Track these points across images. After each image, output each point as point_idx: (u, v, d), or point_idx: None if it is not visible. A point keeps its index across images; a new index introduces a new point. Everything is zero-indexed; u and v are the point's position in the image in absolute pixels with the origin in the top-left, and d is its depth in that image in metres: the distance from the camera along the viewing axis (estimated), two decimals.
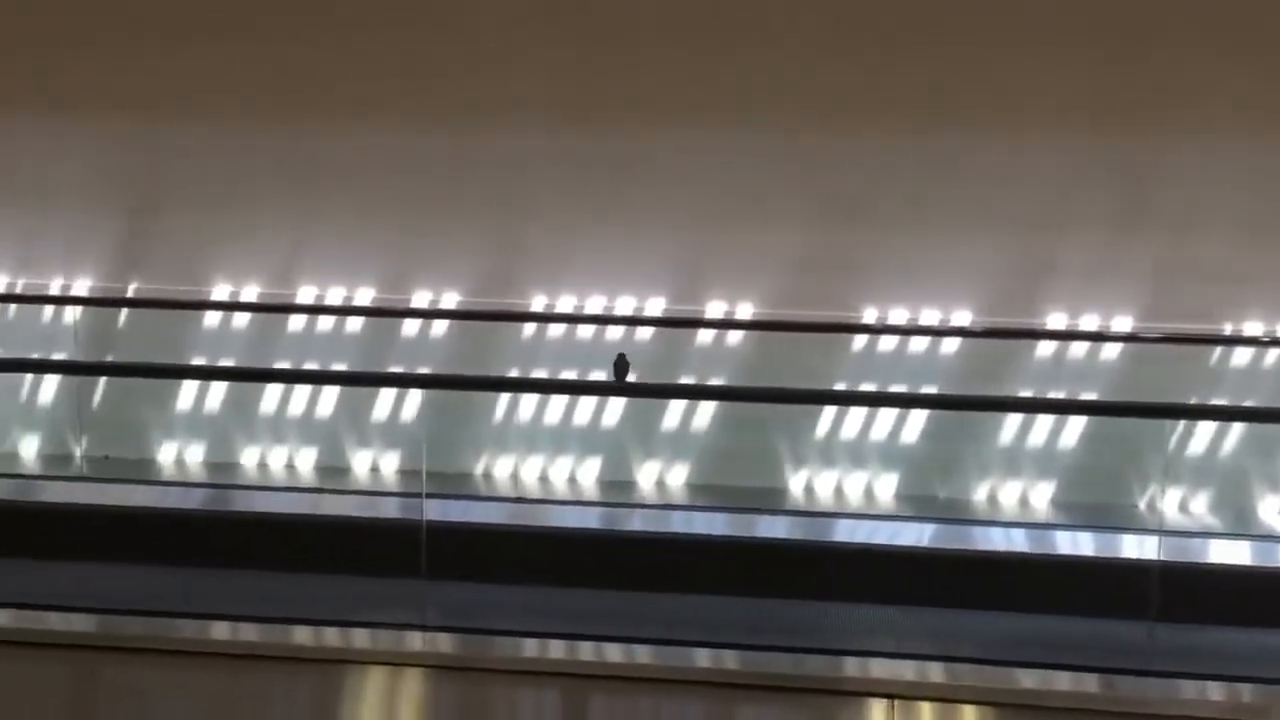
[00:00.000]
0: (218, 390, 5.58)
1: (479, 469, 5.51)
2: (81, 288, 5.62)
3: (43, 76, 5.50)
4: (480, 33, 5.42)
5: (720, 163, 5.41)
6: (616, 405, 5.43)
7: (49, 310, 5.61)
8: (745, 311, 5.53)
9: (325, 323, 5.59)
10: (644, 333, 5.54)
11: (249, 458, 5.63)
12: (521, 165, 5.47)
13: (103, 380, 5.63)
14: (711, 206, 5.45)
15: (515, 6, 5.42)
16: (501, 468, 5.52)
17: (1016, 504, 5.25)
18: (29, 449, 5.69)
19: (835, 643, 3.69)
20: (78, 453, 5.65)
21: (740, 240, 5.45)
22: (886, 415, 5.34)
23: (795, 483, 5.38)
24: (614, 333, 5.51)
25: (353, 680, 3.57)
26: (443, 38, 5.42)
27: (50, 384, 5.64)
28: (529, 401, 5.46)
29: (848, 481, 5.38)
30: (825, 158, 5.35)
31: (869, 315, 5.47)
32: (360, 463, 5.60)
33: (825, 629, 3.86)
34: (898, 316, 5.45)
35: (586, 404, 5.44)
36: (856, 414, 5.35)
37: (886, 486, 5.36)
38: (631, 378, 4.73)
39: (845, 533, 4.84)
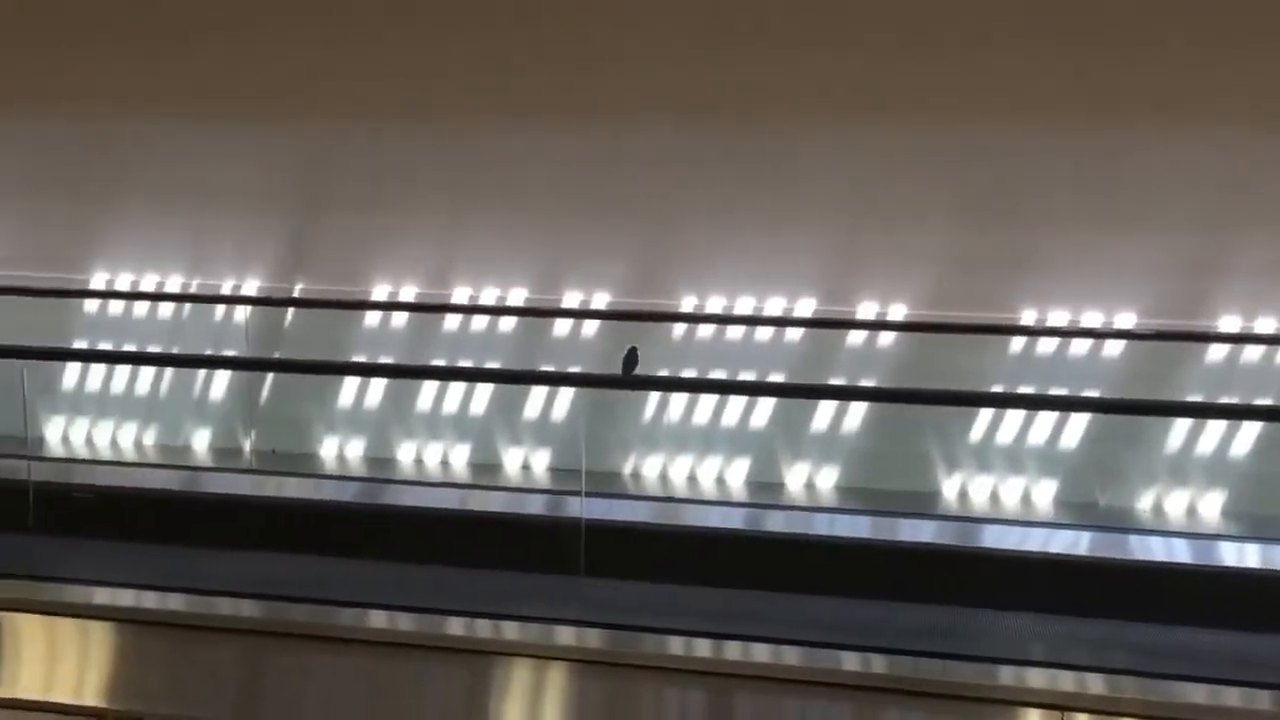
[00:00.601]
0: (377, 387, 5.75)
1: (628, 468, 5.55)
2: (251, 287, 5.86)
3: (217, 84, 5.76)
4: (633, 30, 5.45)
5: (873, 160, 5.32)
6: (765, 406, 5.40)
7: (220, 309, 5.86)
8: (898, 312, 5.43)
9: (479, 322, 5.70)
10: (793, 334, 5.49)
11: (406, 453, 5.80)
12: (672, 164, 5.49)
13: (270, 377, 5.86)
14: (864, 205, 5.37)
15: (666, 3, 5.44)
16: (650, 467, 5.55)
17: (1184, 513, 5.02)
18: (202, 443, 5.97)
19: (985, 650, 3.59)
20: (247, 447, 5.90)
21: (893, 239, 5.36)
22: (1045, 419, 5.17)
23: (949, 487, 5.25)
24: (763, 333, 5.48)
25: (502, 671, 3.62)
26: (595, 36, 5.48)
27: (221, 380, 5.90)
28: (679, 401, 5.46)
29: (1004, 487, 5.23)
30: (980, 154, 5.21)
31: (1027, 317, 5.31)
32: (512, 460, 5.71)
33: (975, 635, 3.75)
34: (1058, 318, 5.28)
35: (736, 404, 5.42)
36: (1014, 417, 5.19)
37: (1044, 492, 5.19)
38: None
39: (997, 538, 4.71)
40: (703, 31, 5.39)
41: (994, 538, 4.71)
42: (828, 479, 5.38)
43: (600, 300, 5.63)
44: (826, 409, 5.32)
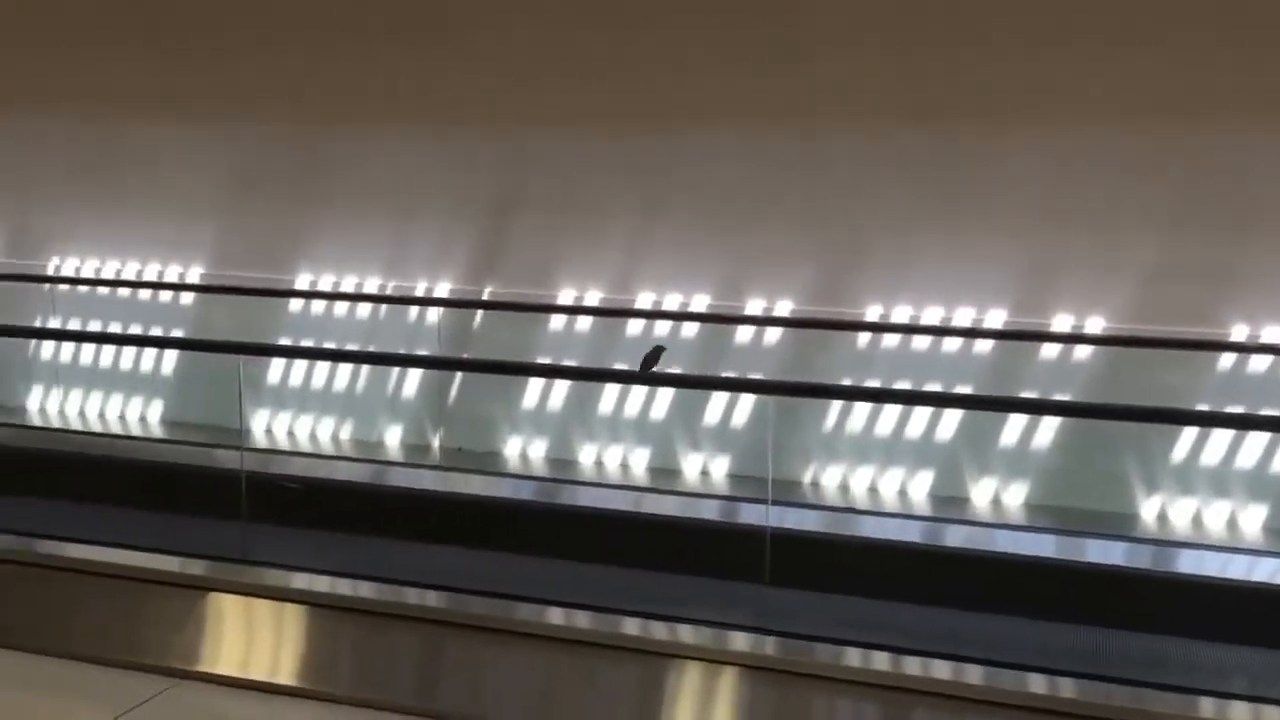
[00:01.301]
0: (560, 389, 5.85)
1: (807, 476, 5.48)
2: (443, 290, 6.04)
3: (417, 92, 5.96)
4: (825, 37, 5.39)
5: (1069, 165, 5.12)
6: (952, 418, 5.25)
7: (414, 311, 6.06)
8: (1095, 325, 5.20)
9: (661, 328, 5.73)
10: (983, 345, 5.32)
11: (587, 455, 5.88)
12: (861, 170, 5.40)
13: (459, 377, 6.03)
14: (1059, 212, 5.16)
15: (860, 8, 5.36)
16: (830, 476, 5.47)
17: None
18: (394, 439, 6.19)
19: (1179, 679, 3.38)
20: (436, 444, 6.08)
21: (1090, 248, 5.13)
22: (1256, 439, 4.85)
23: (1147, 509, 4.99)
24: (950, 344, 5.33)
25: (675, 674, 3.62)
26: (788, 42, 5.43)
27: (413, 380, 6.10)
28: (860, 410, 5.37)
29: (1207, 511, 4.93)
30: (1186, 158, 4.95)
31: (1237, 332, 5.00)
32: (691, 465, 5.72)
33: (1168, 663, 3.55)
34: (1272, 334, 4.95)
35: (920, 415, 5.29)
36: (1221, 436, 4.89)
37: (1253, 518, 4.87)
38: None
39: (1194, 564, 4.44)
40: (897, 40, 5.29)
41: (1191, 564, 4.46)
42: (1016, 495, 5.19)
43: (784, 308, 5.58)
44: (1016, 423, 5.13)
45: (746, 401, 5.55)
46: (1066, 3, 5.10)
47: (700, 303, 5.69)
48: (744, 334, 5.61)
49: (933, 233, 5.34)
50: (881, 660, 3.56)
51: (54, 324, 6.63)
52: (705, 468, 5.67)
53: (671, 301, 5.73)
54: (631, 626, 3.78)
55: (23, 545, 4.41)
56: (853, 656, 3.56)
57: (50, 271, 6.66)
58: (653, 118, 5.62)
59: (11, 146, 6.65)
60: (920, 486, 5.34)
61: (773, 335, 5.58)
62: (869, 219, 5.45)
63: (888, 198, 5.40)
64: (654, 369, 5.23)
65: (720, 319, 5.62)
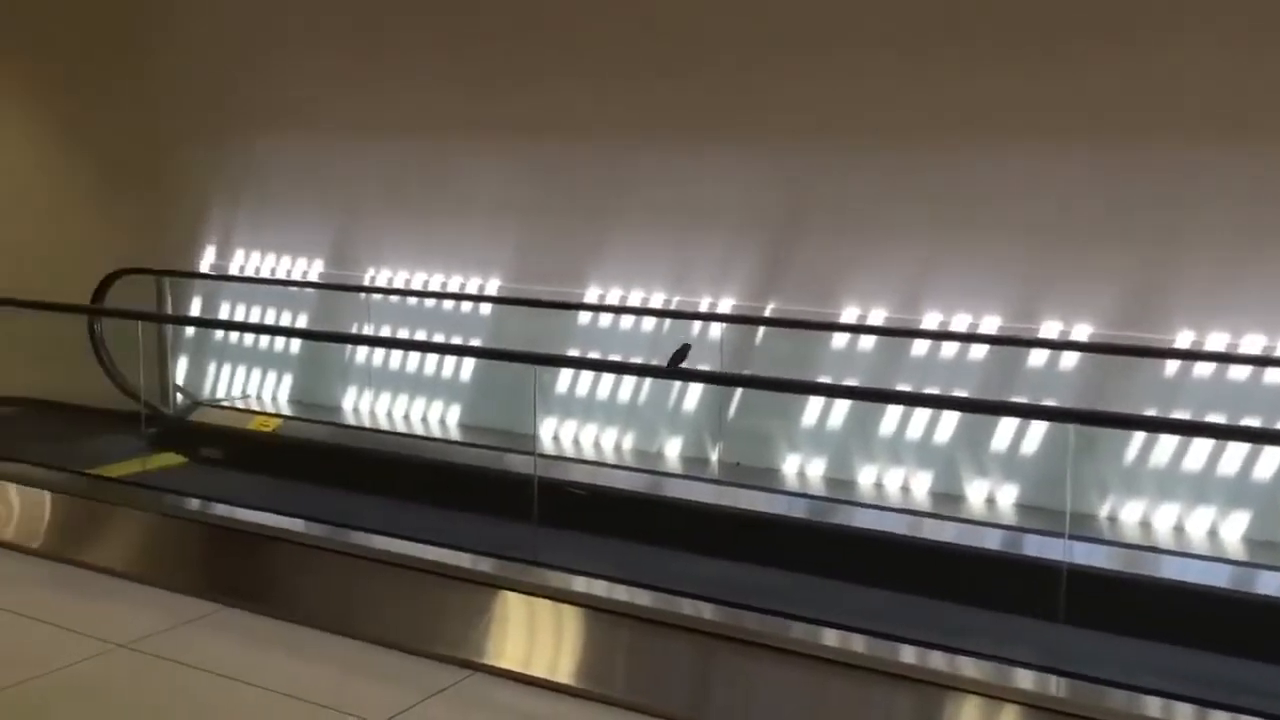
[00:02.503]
0: (841, 408, 5.77)
1: (1104, 510, 5.17)
2: (725, 305, 6.08)
3: (703, 111, 6.03)
4: (1133, 46, 5.10)
5: None
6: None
7: (697, 325, 6.13)
8: None
9: (949, 349, 5.56)
10: None
11: (865, 476, 5.77)
12: (1177, 186, 5.05)
13: (739, 392, 6.05)
14: None
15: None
16: (1129, 512, 5.13)
17: None
18: (673, 451, 6.28)
19: None
20: (714, 457, 6.12)
21: None
22: None
23: None
24: (1273, 375, 4.89)
25: (952, 706, 3.48)
26: (1081, 59, 5.18)
27: (694, 394, 6.17)
28: (1167, 443, 5.01)
29: None
30: None
31: None
32: (975, 492, 5.51)
33: None
34: None
35: (1236, 450, 4.88)
36: None
37: None
38: None
39: None
40: (1219, 41, 4.93)
41: None
42: None
43: (1081, 332, 5.29)
44: None
45: (1039, 428, 5.30)
46: None
47: (990, 324, 5.47)
48: (1037, 357, 5.35)
49: (1261, 253, 4.92)
50: (1185, 713, 3.30)
51: (369, 331, 7.13)
52: (991, 495, 5.45)
53: (960, 322, 5.54)
54: (908, 654, 3.66)
55: (334, 534, 4.76)
56: (1152, 706, 3.31)
57: (366, 282, 7.17)
58: (942, 134, 5.47)
59: (339, 169, 7.23)
60: (1234, 528, 4.92)
61: (1069, 360, 5.29)
62: (1185, 238, 5.07)
63: (1205, 218, 5.02)
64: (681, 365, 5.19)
65: (1011, 341, 5.38)
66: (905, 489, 5.66)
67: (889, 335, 5.64)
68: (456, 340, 6.87)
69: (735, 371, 5.98)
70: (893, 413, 5.67)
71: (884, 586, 4.75)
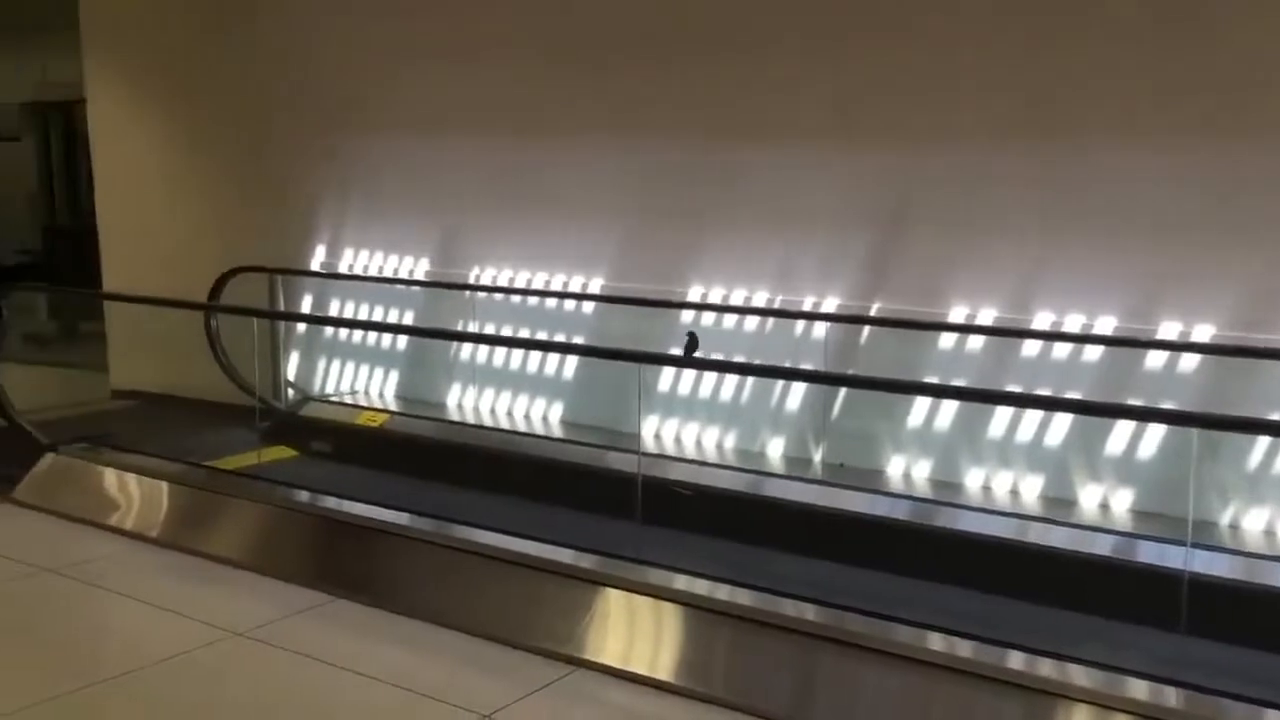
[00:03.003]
0: (948, 409, 5.68)
1: (1225, 518, 5.00)
2: (830, 305, 6.03)
3: (807, 110, 5.99)
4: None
5: None
6: None
7: (800, 325, 6.09)
8: None
9: (1060, 350, 5.43)
10: None
11: (973, 479, 5.67)
12: None
13: (842, 392, 5.99)
14: None
15: None
16: (1252, 520, 4.96)
17: None
18: (775, 451, 6.24)
19: None
20: (817, 458, 6.07)
21: None
22: None
23: None
24: None
25: (1062, 715, 3.40)
26: (1210, 52, 5.01)
27: (797, 394, 6.13)
28: None
29: None
30: None
31: None
32: (1089, 497, 5.37)
33: None
34: None
35: None
36: None
37: None
38: None
39: None
40: None
41: None
42: None
43: (1203, 333, 5.12)
44: None
45: (1156, 432, 5.15)
46: None
47: (1105, 324, 5.33)
48: (1155, 359, 5.19)
49: None
50: None
51: (473, 328, 7.23)
52: (1105, 500, 5.31)
53: (1073, 322, 5.41)
54: (1016, 660, 3.59)
55: (440, 528, 4.84)
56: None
57: (471, 280, 7.27)
58: (1055, 131, 5.34)
59: (446, 170, 7.34)
60: None
61: (1189, 362, 5.13)
62: None
63: None
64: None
65: (1128, 342, 5.24)
66: (1014, 492, 5.55)
67: (998, 335, 5.54)
68: (559, 338, 6.92)
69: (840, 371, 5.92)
70: (1002, 414, 5.56)
71: (991, 591, 4.67)
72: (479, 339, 7.27)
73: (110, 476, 5.91)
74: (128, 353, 9.03)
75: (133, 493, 5.79)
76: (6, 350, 6.88)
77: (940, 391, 5.44)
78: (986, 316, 5.60)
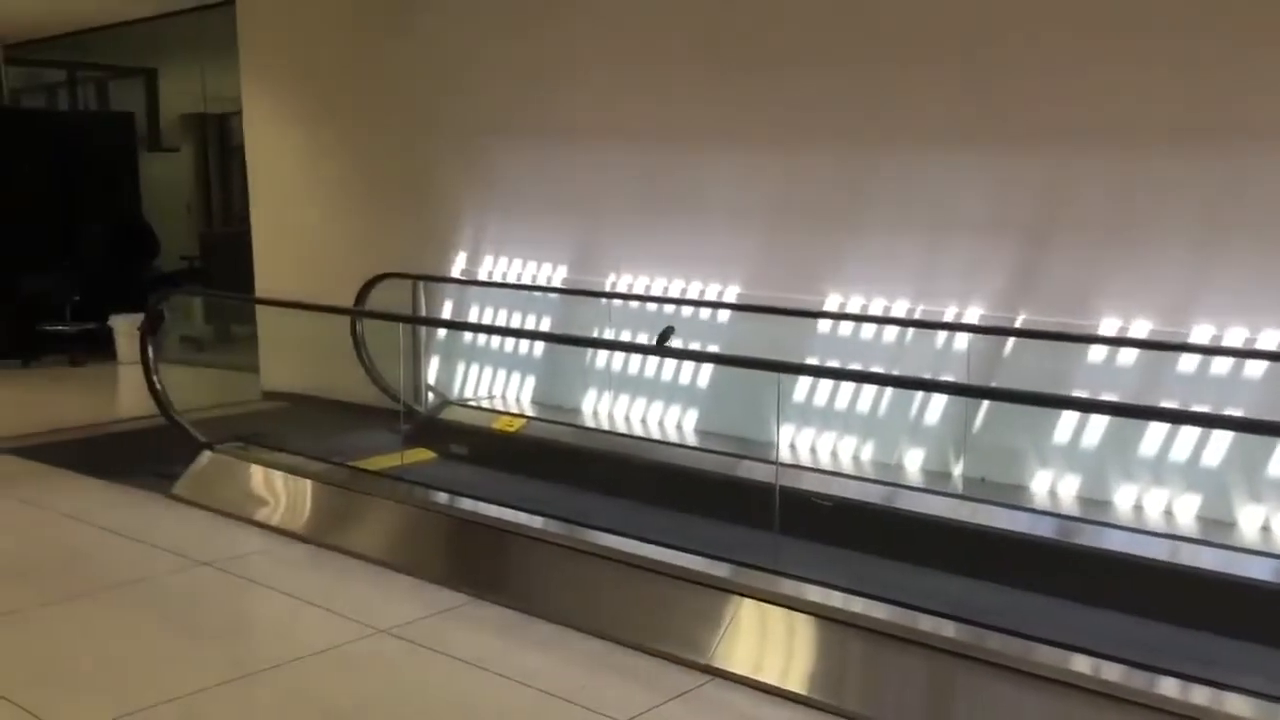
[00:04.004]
0: (1098, 424, 5.50)
1: None
2: (973, 315, 5.90)
3: (951, 115, 5.88)
4: None
5: None
6: None
7: (942, 335, 5.97)
8: None
9: (1220, 365, 5.21)
10: None
11: (1123, 497, 5.48)
12: None
13: (984, 407, 5.84)
14: None
15: None
16: None
17: None
18: (914, 463, 6.14)
19: None
20: (956, 472, 5.95)
21: None
22: None
23: None
24: None
25: None
26: None
27: (937, 405, 6.01)
28: None
29: None
30: None
31: None
32: (1248, 520, 5.14)
33: None
34: None
35: None
36: None
37: None
38: None
39: None
40: None
41: None
42: None
43: None
44: None
45: None
46: None
47: (1270, 339, 5.09)
48: None
49: None
50: None
51: (609, 335, 7.29)
52: (1266, 523, 5.08)
53: (1235, 336, 5.18)
54: (1168, 687, 3.46)
55: (577, 533, 4.89)
56: None
57: (608, 287, 7.34)
58: (1217, 134, 5.13)
59: (583, 177, 7.43)
60: None
61: None
62: None
63: None
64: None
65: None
66: (1168, 512, 5.34)
67: (1153, 349, 5.33)
68: (694, 345, 6.93)
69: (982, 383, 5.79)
70: (1156, 430, 5.35)
71: (1139, 614, 4.51)
72: (613, 345, 7.32)
73: (262, 474, 6.15)
74: (277, 355, 9.38)
75: (282, 490, 6.00)
76: (166, 352, 7.21)
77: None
78: (1140, 329, 5.40)
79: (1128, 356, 5.42)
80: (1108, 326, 5.47)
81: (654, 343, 5.89)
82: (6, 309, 11.00)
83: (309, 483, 5.91)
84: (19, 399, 9.75)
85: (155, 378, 6.59)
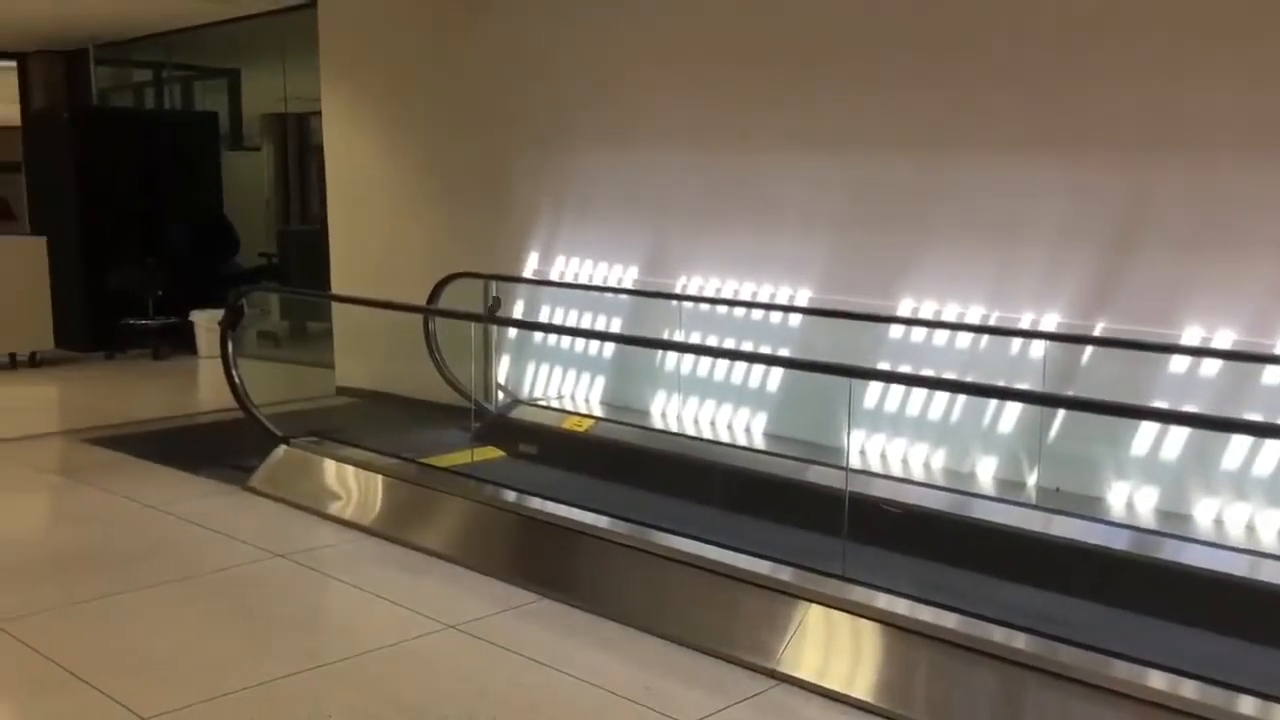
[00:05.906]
0: (1178, 436, 5.39)
1: None
2: (1050, 323, 5.81)
3: (1024, 124, 5.80)
4: None
5: None
6: None
7: (1017, 343, 5.90)
8: None
9: None
10: None
11: (1204, 511, 5.36)
12: None
13: (1060, 415, 5.76)
14: None
15: None
16: None
17: None
18: (986, 472, 6.07)
19: None
20: (1031, 481, 5.87)
21: None
22: None
23: None
24: None
25: None
26: None
27: (1011, 414, 5.94)
28: None
29: None
30: None
31: None
32: None
33: None
34: None
35: None
36: None
37: None
38: None
39: None
40: None
41: None
42: None
43: None
44: None
45: None
46: None
47: None
48: None
49: None
50: None
51: (679, 337, 7.30)
52: None
53: None
54: (1248, 705, 3.38)
55: (644, 534, 4.90)
56: None
57: (678, 289, 7.34)
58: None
59: (656, 180, 7.44)
60: None
61: None
62: None
63: None
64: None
65: None
66: (1249, 527, 5.22)
67: (1236, 359, 5.21)
68: (765, 349, 6.91)
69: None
70: (1238, 443, 5.23)
71: (1216, 630, 4.41)
72: (683, 348, 7.33)
73: (335, 469, 6.25)
74: (351, 352, 9.53)
75: (354, 485, 6.09)
76: (244, 347, 7.36)
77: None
78: (1224, 339, 5.29)
79: (1210, 368, 5.30)
80: (1190, 336, 5.36)
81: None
82: (93, 304, 11.32)
83: (380, 478, 6.00)
84: (103, 391, 10.01)
85: (234, 372, 6.73)
